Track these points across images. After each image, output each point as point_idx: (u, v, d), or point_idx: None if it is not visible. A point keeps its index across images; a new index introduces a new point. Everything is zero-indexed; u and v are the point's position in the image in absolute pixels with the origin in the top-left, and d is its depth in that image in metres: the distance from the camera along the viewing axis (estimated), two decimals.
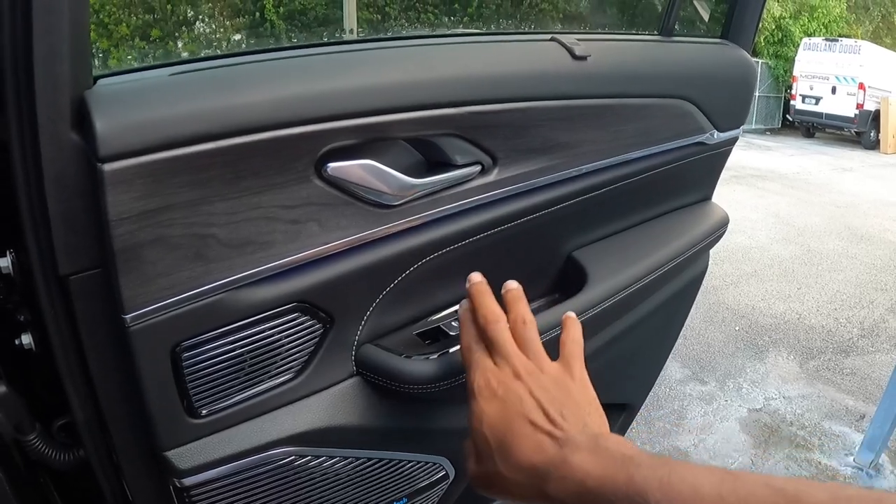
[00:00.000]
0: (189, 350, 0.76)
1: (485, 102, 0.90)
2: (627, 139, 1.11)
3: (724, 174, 1.48)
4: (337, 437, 0.90)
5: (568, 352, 0.77)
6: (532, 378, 0.70)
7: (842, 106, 16.34)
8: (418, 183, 0.87)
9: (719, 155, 1.38)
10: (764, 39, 18.16)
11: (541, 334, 0.91)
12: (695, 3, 1.51)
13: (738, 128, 1.37)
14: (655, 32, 1.28)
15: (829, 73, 16.53)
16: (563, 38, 1.03)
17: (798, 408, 3.34)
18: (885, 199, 9.02)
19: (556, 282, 1.17)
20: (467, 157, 0.91)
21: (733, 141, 1.38)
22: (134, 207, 0.66)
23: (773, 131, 18.65)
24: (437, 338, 0.98)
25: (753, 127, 18.05)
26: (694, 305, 1.60)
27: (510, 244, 1.03)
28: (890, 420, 2.78)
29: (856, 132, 16.76)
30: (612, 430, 1.49)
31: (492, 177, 0.94)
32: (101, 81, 0.70)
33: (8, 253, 0.77)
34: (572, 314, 0.81)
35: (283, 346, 0.83)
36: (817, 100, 16.77)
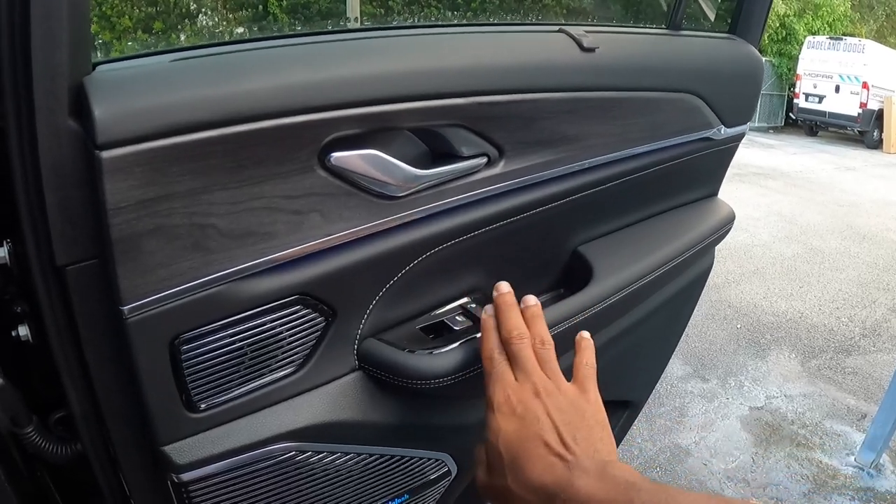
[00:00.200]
0: (188, 343, 0.74)
1: (492, 93, 0.88)
2: (635, 133, 1.10)
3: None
4: (338, 433, 0.89)
5: (583, 375, 0.81)
6: (550, 398, 0.73)
7: (845, 105, 16.32)
8: (423, 174, 0.85)
9: (726, 151, 1.37)
10: (768, 37, 18.13)
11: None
12: None
13: (745, 123, 1.36)
14: (663, 26, 1.27)
15: (833, 71, 16.51)
16: (572, 29, 1.01)
17: (799, 406, 3.33)
18: (887, 199, 9.01)
19: (562, 276, 1.16)
20: (473, 148, 0.90)
21: (740, 137, 1.37)
22: (132, 196, 0.65)
23: (776, 129, 18.65)
24: (442, 332, 0.96)
25: (756, 125, 18.02)
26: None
27: (516, 238, 1.01)
28: (891, 420, 2.78)
29: (859, 131, 16.74)
30: (614, 427, 1.49)
31: (498, 169, 0.92)
32: (100, 68, 0.69)
33: (4, 243, 0.75)
34: (586, 335, 0.85)
35: (284, 339, 0.82)
36: (821, 98, 16.75)
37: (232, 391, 0.80)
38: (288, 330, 0.81)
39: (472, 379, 0.87)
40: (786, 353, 3.93)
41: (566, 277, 1.15)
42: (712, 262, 1.50)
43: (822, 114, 16.91)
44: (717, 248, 1.49)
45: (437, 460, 1.04)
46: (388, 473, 0.98)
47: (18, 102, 0.63)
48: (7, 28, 0.61)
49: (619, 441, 1.59)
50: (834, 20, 19.15)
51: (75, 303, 0.72)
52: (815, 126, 17.75)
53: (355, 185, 0.80)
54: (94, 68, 0.67)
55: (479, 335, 0.88)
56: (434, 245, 0.91)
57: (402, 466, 0.99)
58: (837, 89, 16.53)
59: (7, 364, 0.82)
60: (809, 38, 17.39)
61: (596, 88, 1.01)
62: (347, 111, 0.76)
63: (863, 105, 16.10)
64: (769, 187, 9.05)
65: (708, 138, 1.26)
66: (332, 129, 0.76)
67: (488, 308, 0.84)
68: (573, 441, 0.70)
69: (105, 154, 0.62)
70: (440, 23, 1.00)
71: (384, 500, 1.01)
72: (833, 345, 4.12)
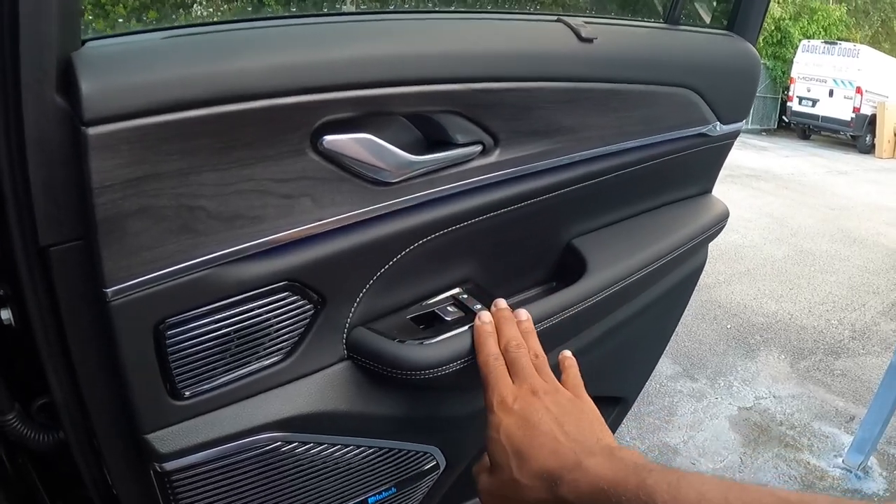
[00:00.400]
0: (173, 328, 0.73)
1: (488, 80, 0.87)
2: (630, 126, 1.09)
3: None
4: (325, 424, 0.88)
5: (573, 385, 0.83)
6: (548, 396, 0.75)
7: (838, 109, 16.36)
8: (417, 160, 0.84)
9: (721, 148, 1.37)
10: (763, 40, 18.16)
11: (537, 323, 0.90)
12: None
13: (740, 121, 1.35)
14: (661, 21, 1.26)
15: (827, 75, 16.55)
16: (570, 20, 1.00)
17: (788, 407, 3.33)
18: (879, 204, 9.04)
19: (555, 269, 1.15)
20: (468, 136, 0.89)
21: (735, 134, 1.36)
22: (119, 175, 0.63)
23: (769, 132, 18.68)
24: (432, 323, 0.94)
25: (749, 127, 18.06)
26: None
27: (509, 229, 1.00)
28: (880, 423, 2.78)
29: (851, 136, 16.79)
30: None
31: (493, 158, 0.91)
32: (89, 44, 0.67)
33: None
34: (568, 353, 0.88)
35: (271, 326, 0.80)
36: (814, 102, 16.78)
37: (217, 379, 0.79)
38: (276, 317, 0.80)
39: (464, 370, 0.86)
40: (775, 355, 3.93)
41: (559, 270, 1.14)
42: (705, 259, 1.49)
43: (816, 117, 16.95)
44: (708, 248, 1.49)
45: (425, 453, 1.03)
46: (376, 466, 0.97)
47: (4, 76, 0.62)
48: None
49: None
50: (829, 25, 19.20)
51: (58, 285, 0.70)
52: (808, 129, 17.79)
53: (348, 170, 0.79)
54: (83, 44, 0.66)
55: (469, 327, 0.88)
56: (426, 233, 0.90)
57: (390, 459, 0.98)
58: (831, 93, 16.56)
59: None
60: (804, 41, 17.42)
61: (593, 79, 1.00)
62: (341, 93, 0.75)
63: (856, 110, 16.14)
64: (761, 189, 9.06)
65: (704, 134, 1.26)
66: (325, 112, 0.74)
67: (483, 315, 0.87)
68: (576, 429, 0.71)
69: (91, 130, 0.60)
70: (438, 8, 0.98)
71: (371, 492, 1.00)
72: (822, 347, 4.13)
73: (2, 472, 0.91)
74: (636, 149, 1.13)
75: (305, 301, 0.82)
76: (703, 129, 1.25)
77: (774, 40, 18.41)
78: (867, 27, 21.20)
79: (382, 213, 0.84)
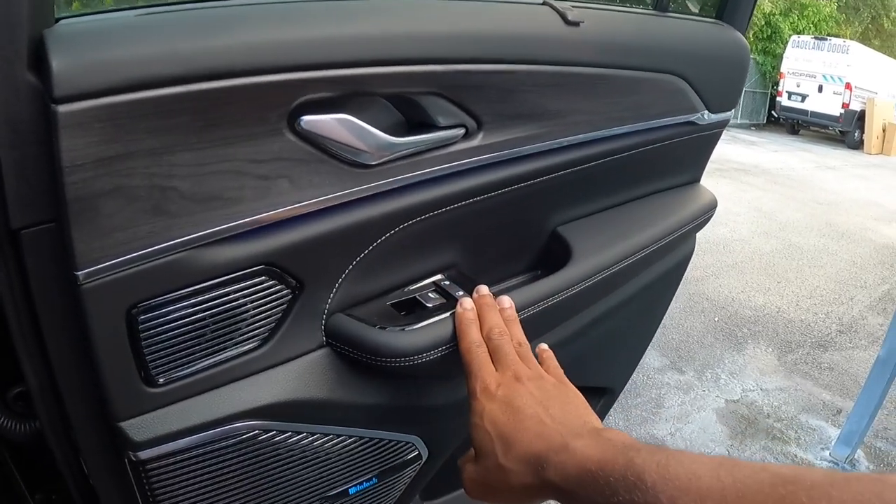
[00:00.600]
0: (146, 312, 0.71)
1: (471, 62, 0.86)
2: (618, 112, 1.08)
3: (707, 166, 1.46)
4: (304, 412, 0.86)
5: (555, 373, 0.80)
6: (532, 382, 0.74)
7: (828, 104, 16.44)
8: (398, 142, 0.82)
9: (709, 137, 1.36)
10: (753, 35, 18.23)
11: (520, 310, 0.89)
12: None
13: (729, 110, 1.35)
14: (650, 7, 1.25)
15: (817, 71, 16.62)
16: (556, 3, 0.99)
17: (775, 400, 3.34)
18: (867, 199, 9.09)
19: (540, 257, 1.14)
20: (451, 118, 0.87)
21: (724, 123, 1.35)
22: (90, 153, 0.62)
23: (758, 127, 18.76)
24: (414, 309, 0.93)
25: (739, 122, 18.15)
26: (674, 295, 1.58)
27: (493, 214, 0.99)
28: (867, 415, 2.79)
29: (840, 131, 16.89)
30: None
31: (476, 141, 0.90)
32: (62, 21, 0.65)
33: None
34: (545, 346, 0.86)
35: (248, 311, 0.78)
36: (803, 97, 16.86)
37: (192, 365, 0.77)
38: (252, 302, 0.78)
39: (445, 358, 0.85)
40: (763, 347, 3.93)
41: (544, 258, 1.13)
42: (693, 249, 1.49)
43: (805, 113, 17.02)
44: (696, 241, 1.48)
45: (406, 443, 1.02)
46: (356, 455, 0.96)
47: None
48: None
49: None
50: (819, 20, 19.28)
51: (31, 268, 0.68)
52: (797, 125, 17.88)
53: (326, 151, 0.77)
54: (56, 22, 0.64)
55: (450, 313, 0.87)
56: (408, 218, 0.88)
57: (371, 448, 0.97)
58: (820, 89, 16.64)
59: None
60: (794, 37, 17.48)
61: (579, 64, 0.99)
62: (320, 73, 0.73)
63: (845, 105, 16.23)
64: (750, 183, 9.09)
65: (692, 122, 1.25)
66: (304, 91, 0.73)
67: (465, 301, 0.85)
68: (562, 413, 0.69)
69: (62, 108, 0.59)
70: None
71: (352, 483, 0.98)
72: (810, 340, 4.14)
73: None
74: (623, 135, 1.12)
75: (283, 286, 0.80)
76: (692, 118, 1.24)
77: (764, 35, 18.48)
78: (857, 23, 21.29)
79: (362, 196, 0.82)
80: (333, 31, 0.76)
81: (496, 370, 0.76)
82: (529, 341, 0.83)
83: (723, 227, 6.36)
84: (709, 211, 1.39)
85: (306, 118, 0.74)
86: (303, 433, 0.88)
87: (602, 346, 1.39)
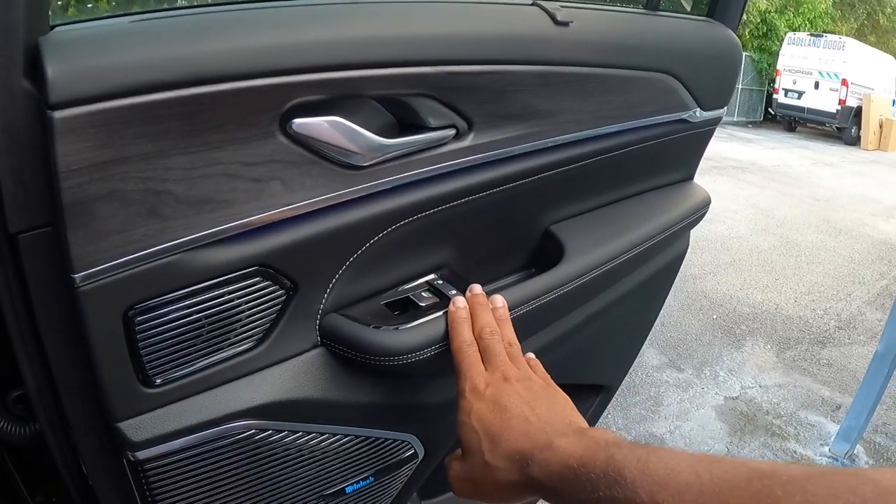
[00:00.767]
0: (143, 314, 0.72)
1: (461, 63, 0.86)
2: (609, 111, 1.08)
3: (704, 164, 1.46)
4: (300, 411, 0.87)
5: (542, 378, 0.81)
6: (520, 383, 0.75)
7: (824, 101, 16.47)
8: (389, 143, 0.83)
9: (702, 134, 1.36)
10: (749, 32, 18.24)
11: (513, 309, 0.90)
12: None
13: (721, 108, 1.35)
14: (640, 6, 1.26)
15: (813, 68, 16.65)
16: (545, 3, 1.00)
17: (774, 397, 3.35)
18: (864, 195, 9.10)
19: (533, 256, 1.14)
20: (441, 119, 0.88)
21: (716, 121, 1.36)
22: (85, 158, 0.62)
23: (755, 124, 18.78)
24: (407, 308, 0.94)
25: (735, 119, 18.16)
26: (672, 293, 1.59)
27: (485, 214, 0.99)
28: (866, 411, 2.80)
29: (837, 128, 16.91)
30: (587, 411, 1.49)
31: (467, 142, 0.90)
32: (57, 29, 0.66)
33: None
34: (531, 355, 0.86)
35: (242, 312, 0.79)
36: (800, 94, 16.88)
37: (189, 366, 0.78)
38: (247, 303, 0.79)
39: (439, 356, 0.86)
40: (761, 344, 3.94)
41: (537, 257, 1.14)
42: (687, 246, 1.49)
43: (801, 109, 17.05)
44: (693, 239, 1.49)
45: (402, 441, 1.02)
46: (352, 454, 0.96)
47: None
48: None
49: (591, 426, 1.59)
50: (815, 17, 19.30)
51: (29, 273, 0.69)
52: (793, 121, 17.91)
53: (318, 154, 0.78)
54: (51, 30, 0.65)
55: (443, 312, 0.87)
56: (400, 218, 0.89)
57: (367, 447, 0.97)
58: (817, 86, 16.66)
59: None
60: (790, 34, 17.51)
61: (569, 63, 1.00)
62: (311, 76, 0.74)
63: (842, 102, 16.25)
64: (747, 181, 9.10)
65: (684, 120, 1.25)
66: (295, 95, 0.74)
67: (458, 300, 0.86)
68: (548, 413, 0.70)
69: (57, 114, 0.60)
70: None
71: (348, 481, 0.99)
72: (808, 336, 4.15)
73: None
74: (615, 134, 1.12)
75: (277, 287, 0.81)
76: (684, 115, 1.24)
77: (760, 33, 18.50)
78: (853, 20, 21.31)
79: (354, 197, 0.83)
80: (324, 35, 0.76)
81: (486, 370, 0.77)
82: (524, 339, 0.84)
83: (720, 225, 6.37)
84: (702, 208, 1.39)
85: (298, 121, 0.75)
86: (299, 432, 0.88)
87: (597, 344, 1.39)
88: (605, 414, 1.69)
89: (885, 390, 2.80)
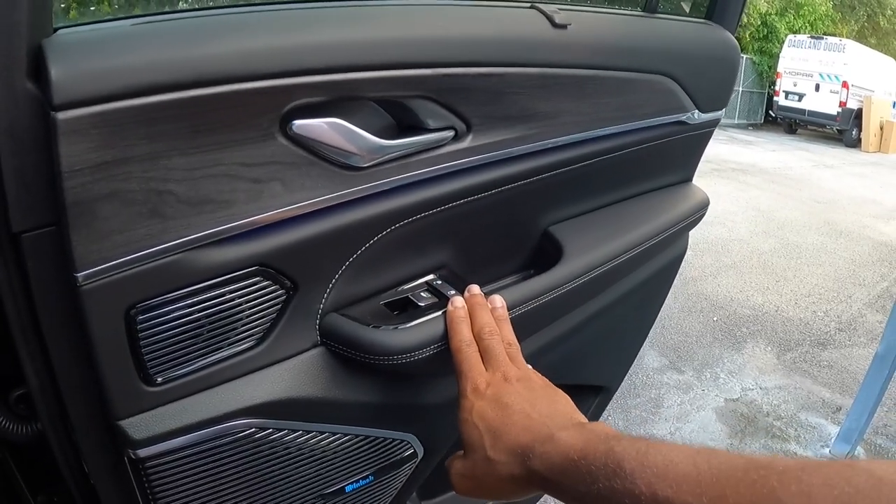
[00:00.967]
0: (144, 313, 0.72)
1: (460, 65, 0.87)
2: (607, 112, 1.09)
3: (704, 167, 1.47)
4: (300, 410, 0.87)
5: (541, 377, 0.81)
6: (520, 382, 0.75)
7: (825, 103, 16.48)
8: (388, 145, 0.84)
9: (700, 136, 1.37)
10: (749, 35, 18.25)
11: (511, 309, 0.91)
12: None
13: (720, 109, 1.36)
14: (638, 9, 1.26)
15: (814, 70, 16.66)
16: (543, 6, 1.00)
17: (775, 399, 3.35)
18: (865, 197, 9.10)
19: (531, 257, 1.15)
20: (440, 121, 0.88)
21: (715, 123, 1.37)
22: (88, 159, 0.63)
23: (756, 126, 18.78)
24: (406, 308, 0.94)
25: (736, 121, 18.17)
26: (673, 296, 1.59)
27: (484, 215, 1.00)
28: (866, 413, 2.80)
29: (838, 130, 16.93)
30: (586, 412, 1.49)
31: (466, 143, 0.91)
32: (60, 31, 0.67)
33: None
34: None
35: (243, 312, 0.80)
36: (800, 96, 16.89)
37: (189, 364, 0.78)
38: (247, 302, 0.80)
39: (438, 356, 0.86)
40: (762, 346, 3.94)
41: (536, 258, 1.14)
42: (686, 248, 1.50)
43: (802, 112, 17.05)
44: (694, 241, 1.49)
45: (402, 441, 1.03)
46: (352, 453, 0.97)
47: None
48: None
49: None
50: (815, 19, 19.31)
51: (32, 272, 0.70)
52: (794, 124, 17.91)
53: (318, 155, 0.79)
54: (55, 32, 0.66)
55: (442, 312, 0.88)
56: (399, 219, 0.89)
57: (367, 446, 0.98)
58: (817, 88, 16.67)
59: None
60: (791, 36, 17.52)
61: (567, 65, 1.00)
62: (311, 78, 0.75)
63: (842, 104, 16.26)
64: (748, 183, 9.10)
65: (682, 122, 1.26)
66: (295, 97, 0.74)
67: (456, 300, 0.87)
68: (549, 409, 0.71)
69: (61, 115, 0.61)
70: None
71: (348, 480, 0.99)
72: (809, 338, 4.15)
73: None
74: (613, 136, 1.13)
75: (277, 286, 0.82)
76: (682, 117, 1.25)
77: (760, 35, 18.50)
78: (853, 22, 21.31)
79: (354, 198, 0.83)
80: (324, 38, 0.77)
81: (486, 370, 0.78)
82: (522, 340, 0.85)
83: (721, 227, 6.37)
84: (701, 209, 1.40)
85: (298, 122, 0.75)
86: (298, 431, 0.89)
87: (596, 345, 1.40)
88: (605, 415, 1.69)
89: (885, 392, 2.80)
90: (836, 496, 0.43)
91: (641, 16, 1.23)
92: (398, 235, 0.90)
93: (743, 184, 8.99)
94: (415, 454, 1.07)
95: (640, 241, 1.19)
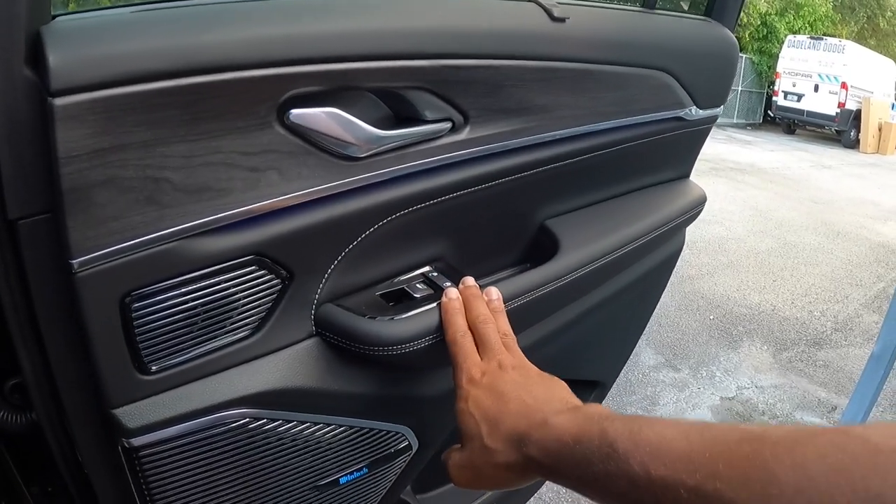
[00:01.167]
0: (139, 300, 0.72)
1: (458, 57, 0.87)
2: (605, 107, 1.09)
3: (703, 166, 1.47)
4: (294, 400, 0.87)
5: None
6: (516, 370, 0.76)
7: (824, 104, 16.50)
8: (385, 135, 0.84)
9: (698, 133, 1.37)
10: (749, 35, 18.27)
11: (507, 301, 0.91)
12: None
13: (718, 106, 1.36)
14: (637, 4, 1.26)
15: (813, 70, 16.67)
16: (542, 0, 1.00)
17: (770, 398, 3.36)
18: (862, 198, 9.11)
19: (528, 250, 1.15)
20: (437, 112, 0.88)
21: (713, 120, 1.37)
22: (85, 145, 0.63)
23: (754, 126, 18.80)
24: (402, 299, 0.94)
25: (735, 121, 18.19)
26: (669, 293, 1.59)
27: (481, 207, 1.00)
28: (862, 412, 2.80)
29: (836, 130, 16.95)
30: None
31: (463, 135, 0.91)
32: (59, 18, 0.67)
33: None
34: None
35: (238, 300, 0.80)
36: (799, 97, 16.90)
37: (185, 353, 0.78)
38: (243, 291, 0.80)
39: (433, 347, 0.86)
40: (758, 345, 3.95)
41: (532, 251, 1.14)
42: (682, 244, 1.50)
43: (801, 112, 17.07)
44: (691, 240, 1.49)
45: (396, 433, 1.03)
46: (346, 445, 0.97)
47: None
48: None
49: None
50: (815, 20, 19.32)
51: (27, 259, 0.70)
52: (793, 124, 17.92)
53: (315, 144, 0.79)
54: (53, 19, 0.66)
55: (438, 303, 0.88)
56: (395, 210, 0.89)
57: (360, 438, 0.98)
58: (816, 88, 16.69)
59: None
60: (790, 36, 17.53)
61: (566, 59, 1.00)
62: (308, 67, 0.75)
63: (841, 105, 16.28)
64: (745, 182, 9.11)
65: (680, 118, 1.26)
66: (292, 85, 0.74)
67: (451, 291, 0.87)
68: (545, 395, 0.71)
69: (58, 101, 0.60)
70: None
71: (342, 472, 0.99)
72: (805, 338, 4.16)
73: None
74: (611, 130, 1.13)
75: (273, 276, 0.82)
76: (680, 113, 1.25)
77: (760, 35, 18.52)
78: (853, 23, 21.33)
79: (350, 187, 0.83)
80: (322, 27, 0.77)
81: (481, 359, 0.78)
82: (517, 333, 0.85)
83: (718, 227, 6.38)
84: (698, 206, 1.40)
85: (295, 112, 0.75)
86: (293, 421, 0.89)
87: (592, 340, 1.40)
88: None
89: (880, 392, 2.81)
90: (831, 465, 0.42)
91: (640, 11, 1.23)
92: (394, 226, 0.90)
93: (741, 183, 9.00)
94: (409, 447, 1.07)
95: (637, 237, 1.19)
